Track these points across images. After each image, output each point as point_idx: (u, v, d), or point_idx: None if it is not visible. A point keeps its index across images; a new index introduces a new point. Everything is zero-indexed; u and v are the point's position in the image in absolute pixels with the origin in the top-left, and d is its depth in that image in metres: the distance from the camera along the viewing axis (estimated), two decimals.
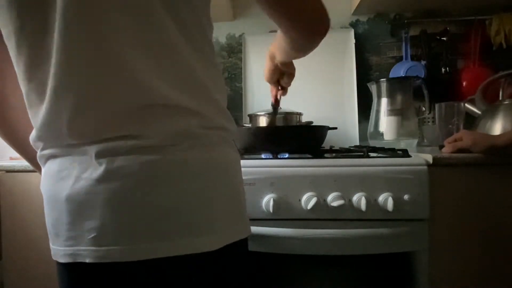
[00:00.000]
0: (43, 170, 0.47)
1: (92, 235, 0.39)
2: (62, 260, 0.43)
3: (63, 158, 0.43)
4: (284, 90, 0.82)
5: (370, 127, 1.23)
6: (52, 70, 0.40)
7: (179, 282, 0.41)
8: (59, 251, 0.43)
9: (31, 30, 0.41)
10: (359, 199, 0.79)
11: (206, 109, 0.43)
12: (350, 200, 0.81)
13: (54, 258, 0.45)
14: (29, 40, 0.41)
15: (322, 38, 0.54)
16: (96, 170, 0.39)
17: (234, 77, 1.49)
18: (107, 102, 0.39)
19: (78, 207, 0.40)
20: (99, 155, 0.39)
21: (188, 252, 0.40)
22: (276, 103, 0.86)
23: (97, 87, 0.39)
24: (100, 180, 0.39)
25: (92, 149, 0.40)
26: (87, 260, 0.40)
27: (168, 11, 0.40)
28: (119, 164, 0.39)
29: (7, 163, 1.00)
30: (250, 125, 1.18)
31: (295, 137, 0.96)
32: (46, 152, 0.45)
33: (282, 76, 0.78)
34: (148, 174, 0.39)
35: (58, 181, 0.43)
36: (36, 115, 0.44)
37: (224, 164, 0.45)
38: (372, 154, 0.92)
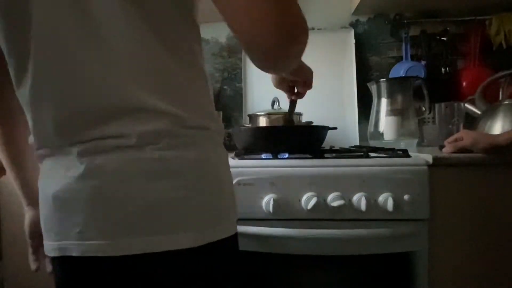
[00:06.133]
0: (40, 169, 0.49)
1: (77, 230, 0.41)
2: (52, 254, 0.45)
3: (53, 158, 0.45)
4: (300, 94, 0.76)
5: (370, 127, 1.23)
6: (29, 80, 0.43)
7: (159, 278, 0.42)
8: (50, 245, 0.45)
9: (11, 40, 0.44)
10: (359, 199, 0.79)
11: (185, 110, 0.44)
12: (350, 200, 0.81)
13: (46, 253, 0.47)
14: (11, 52, 0.45)
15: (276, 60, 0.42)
16: (78, 168, 0.41)
17: (234, 77, 1.49)
18: (86, 108, 0.42)
19: (63, 204, 0.43)
20: (81, 155, 0.42)
21: (164, 249, 0.40)
22: (292, 103, 0.81)
23: (75, 94, 0.42)
24: (81, 178, 0.41)
25: (75, 149, 0.42)
26: (73, 254, 0.42)
27: (141, 16, 0.41)
28: (99, 163, 0.41)
29: None
30: (250, 125, 1.18)
31: (295, 137, 0.96)
32: (40, 152, 0.47)
33: (294, 83, 0.71)
34: (127, 171, 0.40)
35: (48, 179, 0.45)
36: (28, 120, 0.47)
37: (205, 163, 0.45)
38: (372, 154, 0.92)
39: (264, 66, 0.45)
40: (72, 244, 0.42)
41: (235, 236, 0.49)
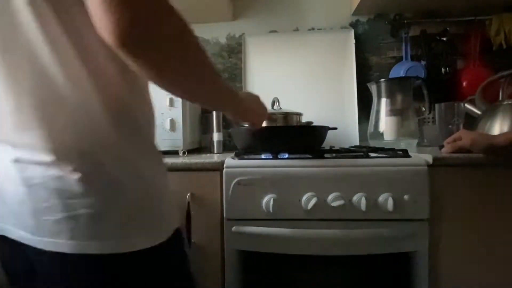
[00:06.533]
0: None
1: (13, 221, 0.47)
2: None
3: None
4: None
5: (370, 127, 1.23)
6: None
7: (78, 277, 0.46)
8: None
9: None
10: (359, 199, 0.79)
11: (112, 125, 0.46)
12: (350, 200, 0.81)
13: None
14: None
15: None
16: (10, 171, 0.46)
17: (234, 77, 1.48)
18: (14, 118, 0.45)
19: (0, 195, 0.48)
20: (14, 160, 0.46)
21: (78, 252, 0.44)
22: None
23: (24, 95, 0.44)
24: (12, 181, 0.46)
25: (10, 150, 0.46)
26: (9, 236, 0.48)
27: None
28: (27, 175, 0.45)
29: None
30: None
31: (295, 137, 0.96)
32: None
33: None
34: (49, 186, 0.45)
35: None
36: None
37: (131, 175, 0.48)
38: (372, 154, 0.92)
39: (119, 50, 0.39)
40: (9, 228, 0.48)
41: (164, 244, 0.50)
